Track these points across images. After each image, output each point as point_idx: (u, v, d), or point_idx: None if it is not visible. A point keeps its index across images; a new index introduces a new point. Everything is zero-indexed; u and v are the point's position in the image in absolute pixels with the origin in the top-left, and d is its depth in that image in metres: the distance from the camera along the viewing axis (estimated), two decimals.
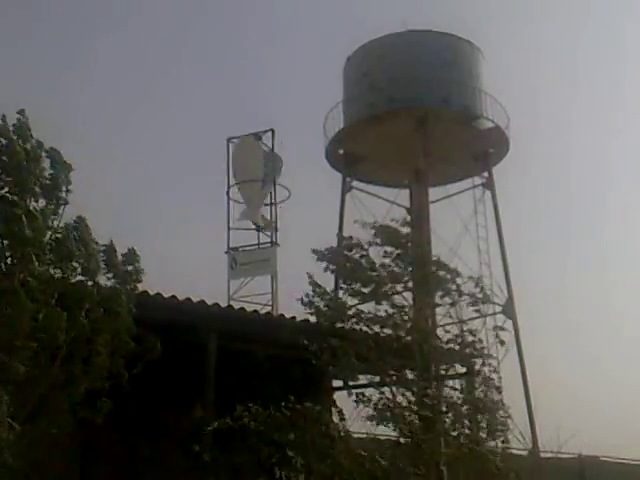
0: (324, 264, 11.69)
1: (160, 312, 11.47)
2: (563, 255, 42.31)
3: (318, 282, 11.40)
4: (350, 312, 11.65)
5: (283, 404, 9.97)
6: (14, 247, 8.05)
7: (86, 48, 46.63)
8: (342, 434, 10.46)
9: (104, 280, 9.12)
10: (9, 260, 8.14)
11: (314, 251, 11.69)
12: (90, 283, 8.71)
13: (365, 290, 11.50)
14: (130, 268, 9.20)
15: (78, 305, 8.36)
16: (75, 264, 8.58)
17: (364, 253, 11.66)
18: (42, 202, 8.67)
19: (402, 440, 10.82)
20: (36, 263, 8.04)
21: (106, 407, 8.63)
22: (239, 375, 13.68)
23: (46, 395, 8.11)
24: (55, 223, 8.70)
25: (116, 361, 8.63)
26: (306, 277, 11.65)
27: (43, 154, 8.69)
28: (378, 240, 11.68)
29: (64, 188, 8.78)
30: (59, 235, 8.59)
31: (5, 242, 8.13)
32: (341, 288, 12.22)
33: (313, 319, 12.08)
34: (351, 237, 11.83)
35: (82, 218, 8.88)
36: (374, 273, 11.51)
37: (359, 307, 11.75)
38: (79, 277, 8.72)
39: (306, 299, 11.27)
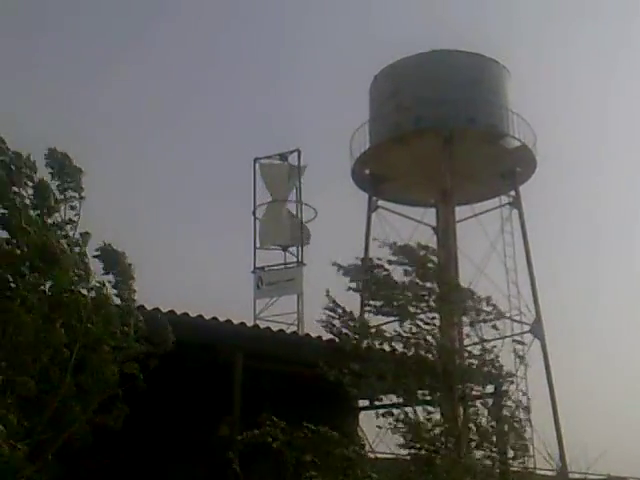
0: (348, 281, 11.73)
1: (187, 332, 11.54)
2: (592, 273, 41.99)
3: (338, 302, 11.43)
4: (374, 330, 11.67)
5: (305, 425, 9.97)
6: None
7: (112, 68, 47.18)
8: (363, 456, 10.47)
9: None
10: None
11: (335, 264, 11.72)
12: (84, 291, 8.39)
13: (389, 309, 11.53)
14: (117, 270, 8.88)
15: (76, 314, 8.13)
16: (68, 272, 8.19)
17: (387, 272, 11.69)
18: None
19: (426, 460, 10.80)
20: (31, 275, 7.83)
21: (123, 413, 8.52)
22: (265, 394, 13.73)
23: (60, 408, 8.06)
24: (71, 233, 8.38)
25: (129, 365, 8.39)
26: (329, 296, 11.69)
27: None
28: (401, 259, 11.71)
29: (76, 195, 8.36)
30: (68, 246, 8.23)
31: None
32: (366, 305, 12.24)
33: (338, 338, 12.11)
34: (371, 259, 11.88)
35: (87, 234, 8.50)
36: (397, 292, 11.54)
37: (383, 326, 11.77)
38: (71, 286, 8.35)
39: (326, 321, 11.30)
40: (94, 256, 8.67)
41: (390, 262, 11.67)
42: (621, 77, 51.28)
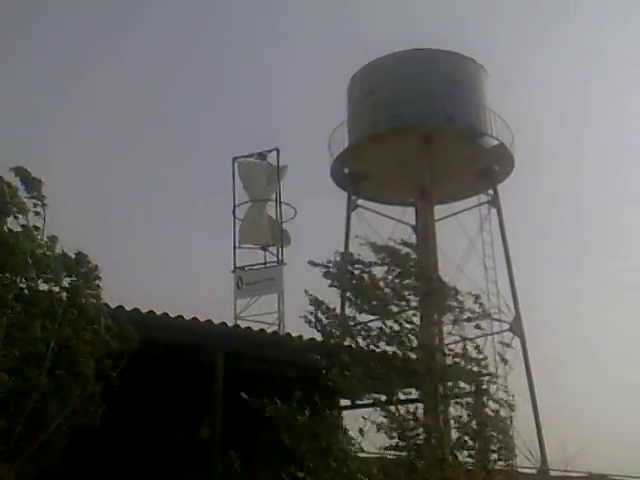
0: (329, 281, 11.68)
1: (167, 332, 11.47)
2: (570, 271, 42.26)
3: (320, 298, 11.37)
4: (357, 328, 11.62)
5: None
6: None
7: (91, 67, 46.88)
8: (347, 455, 10.41)
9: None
10: None
11: (311, 262, 11.66)
12: (56, 289, 8.74)
13: (370, 307, 11.48)
14: (84, 270, 9.14)
15: (50, 312, 8.39)
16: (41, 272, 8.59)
17: (367, 270, 11.65)
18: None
19: (410, 460, 10.76)
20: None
21: (101, 410, 8.58)
22: (246, 394, 13.65)
23: (37, 408, 8.10)
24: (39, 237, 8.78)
25: (103, 363, 8.56)
26: (310, 295, 11.63)
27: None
28: (381, 258, 11.67)
29: (40, 203, 8.83)
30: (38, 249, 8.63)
31: None
32: (349, 301, 12.18)
33: (319, 337, 12.06)
34: (352, 254, 11.85)
35: (55, 237, 8.94)
36: (378, 291, 11.50)
37: (365, 325, 11.72)
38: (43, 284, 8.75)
39: (310, 317, 11.25)
40: (62, 258, 8.90)
41: (372, 263, 11.63)
42: (598, 76, 51.66)
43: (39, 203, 8.87)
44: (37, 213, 8.87)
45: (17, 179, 8.85)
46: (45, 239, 8.84)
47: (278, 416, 9.89)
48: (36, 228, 8.84)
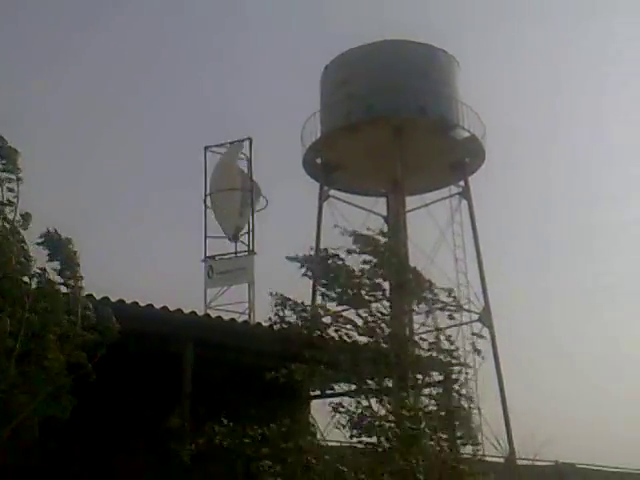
0: (301, 271, 11.66)
1: (136, 321, 11.40)
2: (540, 263, 42.65)
3: (287, 296, 11.33)
4: (329, 318, 11.61)
5: (255, 423, 9.88)
6: None
7: (58, 60, 46.43)
8: (316, 446, 10.44)
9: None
10: None
11: (289, 258, 11.65)
12: (25, 278, 8.24)
13: (343, 297, 11.48)
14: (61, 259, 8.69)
15: (19, 302, 7.95)
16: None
17: (342, 260, 11.65)
18: None
19: (379, 449, 10.81)
20: None
21: (72, 404, 8.34)
22: (216, 384, 13.64)
23: (5, 399, 7.89)
24: (10, 215, 8.21)
25: (76, 354, 8.19)
26: (284, 285, 11.64)
27: None
28: (356, 248, 11.68)
29: (14, 176, 8.24)
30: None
31: None
32: (320, 292, 12.15)
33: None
34: (326, 249, 11.84)
35: (28, 215, 8.33)
36: (353, 280, 11.51)
37: (337, 313, 11.72)
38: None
39: (274, 317, 11.22)
40: (37, 243, 8.50)
41: (349, 252, 11.63)
42: (570, 69, 52.01)
43: (13, 178, 8.25)
44: (10, 189, 8.25)
45: None
46: (18, 217, 8.24)
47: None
48: (9, 203, 8.24)
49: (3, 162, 8.33)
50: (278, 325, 11.41)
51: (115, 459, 13.08)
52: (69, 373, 8.24)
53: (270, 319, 11.34)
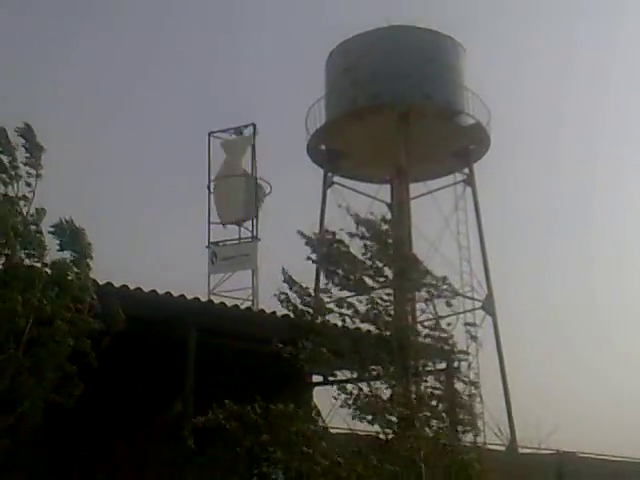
0: (307, 255, 11.62)
1: (140, 307, 11.44)
2: (544, 251, 42.59)
3: (294, 278, 11.35)
4: (330, 305, 11.61)
5: (256, 405, 9.90)
6: None
7: (63, 48, 46.33)
8: (318, 432, 10.46)
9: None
10: None
11: (300, 233, 11.56)
12: (38, 264, 8.41)
13: (346, 282, 11.46)
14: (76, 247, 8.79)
15: (30, 287, 8.08)
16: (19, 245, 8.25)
17: (346, 246, 11.63)
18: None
19: (381, 436, 10.83)
20: None
21: (78, 391, 8.42)
22: (219, 370, 13.69)
23: (13, 384, 7.95)
24: (25, 209, 8.40)
25: (82, 342, 8.31)
26: (286, 273, 11.59)
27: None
28: (360, 233, 11.65)
29: (34, 172, 8.44)
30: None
31: None
32: (325, 278, 12.14)
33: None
34: (334, 232, 11.80)
35: (43, 210, 8.53)
36: (356, 265, 11.50)
37: (341, 298, 11.71)
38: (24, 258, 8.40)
39: (282, 296, 11.22)
40: (50, 232, 8.59)
41: (351, 235, 11.60)
42: (576, 58, 51.75)
43: (33, 173, 8.45)
44: (28, 184, 8.45)
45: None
46: (33, 211, 8.43)
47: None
48: (24, 198, 8.43)
49: (27, 155, 8.48)
50: (284, 304, 11.39)
51: (117, 444, 13.15)
52: (75, 361, 8.31)
53: (275, 295, 11.32)
